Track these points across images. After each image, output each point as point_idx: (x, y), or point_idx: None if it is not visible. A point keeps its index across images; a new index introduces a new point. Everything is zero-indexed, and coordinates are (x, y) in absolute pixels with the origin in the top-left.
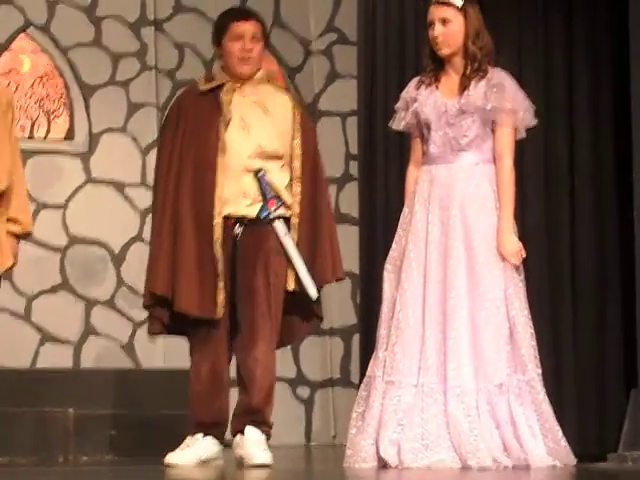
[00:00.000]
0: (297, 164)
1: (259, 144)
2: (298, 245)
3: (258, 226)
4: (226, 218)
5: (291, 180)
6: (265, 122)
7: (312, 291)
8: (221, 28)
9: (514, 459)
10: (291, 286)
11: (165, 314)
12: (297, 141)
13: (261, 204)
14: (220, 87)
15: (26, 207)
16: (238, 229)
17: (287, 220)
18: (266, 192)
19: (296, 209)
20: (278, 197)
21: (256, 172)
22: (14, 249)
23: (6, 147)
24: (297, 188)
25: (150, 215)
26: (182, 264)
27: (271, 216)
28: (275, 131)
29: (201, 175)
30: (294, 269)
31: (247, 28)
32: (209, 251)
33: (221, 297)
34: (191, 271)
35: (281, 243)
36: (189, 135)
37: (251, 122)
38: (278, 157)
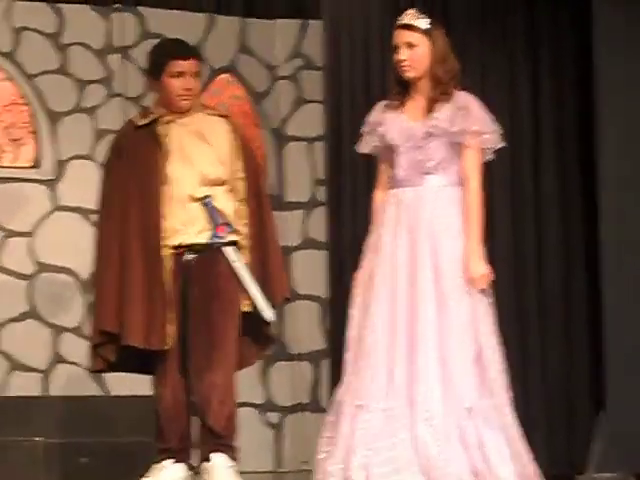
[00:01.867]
0: (241, 187)
1: (201, 172)
2: (250, 267)
3: (208, 253)
4: (176, 248)
5: (236, 203)
6: (205, 150)
7: (268, 313)
8: (160, 64)
9: None
10: (245, 308)
11: (112, 352)
12: (238, 163)
13: (210, 231)
14: (156, 120)
15: None
16: (189, 256)
17: (236, 244)
18: (215, 219)
19: (245, 231)
20: (227, 223)
21: (202, 199)
22: None
23: None
24: (243, 211)
25: None
26: (130, 297)
27: (221, 241)
28: (216, 157)
29: (146, 208)
30: (247, 293)
31: (188, 66)
32: (158, 283)
33: (171, 328)
34: (139, 304)
35: (232, 269)
36: (130, 171)
37: (191, 151)
38: (222, 183)
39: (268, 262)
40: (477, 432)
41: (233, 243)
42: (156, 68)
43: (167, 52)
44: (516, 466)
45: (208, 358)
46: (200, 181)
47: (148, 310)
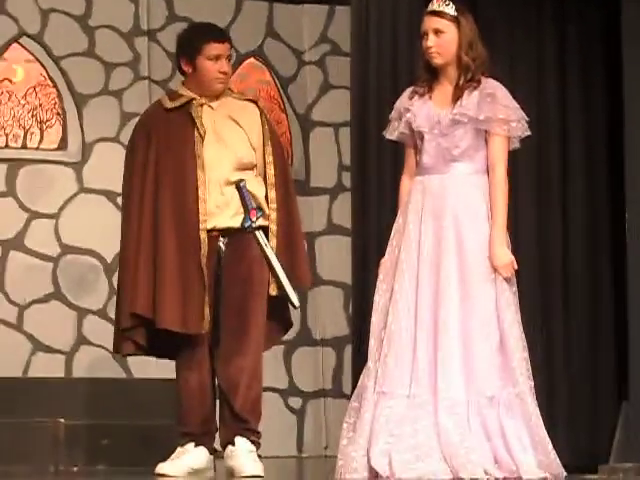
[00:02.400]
0: (270, 172)
1: (236, 156)
2: (277, 252)
3: (240, 236)
4: (209, 231)
5: (266, 188)
6: (238, 133)
7: (294, 299)
8: (196, 46)
9: (505, 471)
10: (274, 291)
11: (142, 335)
12: (268, 148)
13: (243, 215)
14: (187, 103)
15: None
16: (223, 240)
17: (265, 228)
18: (248, 202)
19: (273, 216)
20: (258, 207)
21: (237, 183)
22: None
23: None
24: (272, 195)
25: None
26: (164, 280)
27: (253, 226)
28: (248, 141)
29: (182, 192)
30: (275, 276)
31: (225, 49)
32: (194, 266)
33: (207, 311)
34: (174, 287)
35: (262, 252)
36: (164, 153)
37: (225, 135)
38: (252, 167)
39: (294, 248)
40: (499, 421)
41: (263, 227)
42: (191, 50)
43: (204, 35)
44: (537, 455)
45: (238, 342)
46: (235, 165)
47: (185, 293)
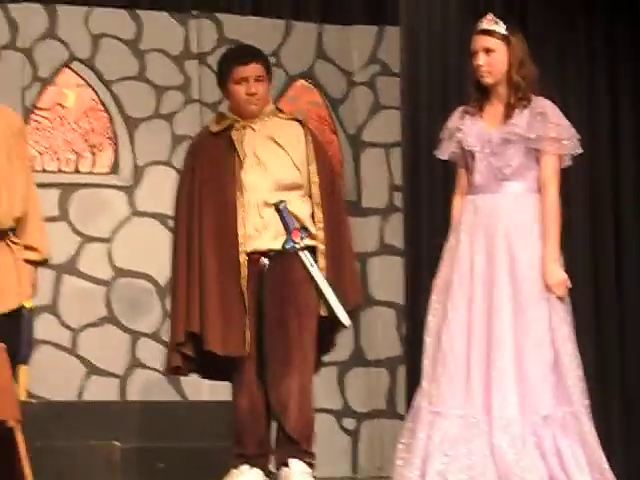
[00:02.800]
0: (316, 191)
1: (276, 178)
2: (325, 271)
3: (283, 258)
4: (251, 254)
5: (313, 207)
6: (279, 155)
7: (345, 319)
8: (224, 72)
9: None
10: (323, 312)
11: (193, 351)
12: (313, 167)
13: (284, 236)
14: (231, 126)
15: (43, 233)
16: (265, 261)
17: (312, 248)
18: (289, 223)
19: (320, 236)
20: (303, 227)
21: (276, 205)
22: (33, 278)
23: (21, 175)
24: (319, 215)
25: None
26: (207, 305)
27: (297, 247)
28: (291, 162)
29: (223, 215)
30: (323, 297)
31: (250, 71)
32: (235, 289)
33: (248, 334)
34: (216, 310)
35: (309, 274)
36: (207, 177)
37: (265, 157)
38: (297, 187)
39: (343, 267)
40: (554, 440)
41: (309, 247)
42: (222, 77)
43: (229, 59)
44: (594, 474)
45: (285, 364)
46: (274, 187)
47: (225, 316)
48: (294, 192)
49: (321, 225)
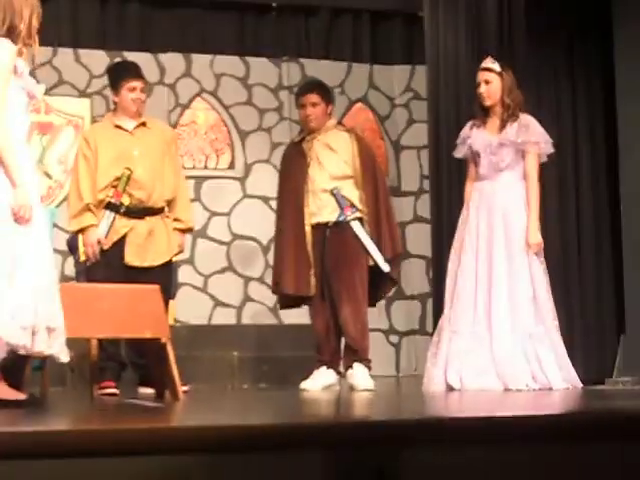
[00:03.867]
0: (360, 180)
1: (329, 173)
2: (370, 235)
3: (339, 226)
4: (315, 225)
5: (359, 190)
6: (331, 156)
7: (384, 266)
8: (295, 98)
9: (540, 384)
10: (370, 262)
11: (287, 295)
12: (357, 163)
13: (338, 211)
14: (304, 138)
15: (188, 210)
16: (327, 230)
17: (360, 219)
18: (341, 203)
19: (365, 210)
20: (352, 205)
21: (331, 190)
22: (179, 241)
23: (171, 170)
24: (363, 196)
25: None
26: (284, 262)
27: (348, 218)
28: (341, 160)
29: (296, 200)
30: (367, 252)
31: (307, 99)
32: (303, 250)
33: (313, 280)
34: (291, 265)
35: (357, 236)
36: (290, 175)
37: (323, 159)
38: (348, 177)
39: (380, 230)
40: (535, 350)
41: (358, 218)
42: (295, 101)
43: (298, 89)
44: (562, 373)
45: (342, 299)
46: (329, 178)
47: (296, 269)
48: (345, 181)
49: (365, 203)
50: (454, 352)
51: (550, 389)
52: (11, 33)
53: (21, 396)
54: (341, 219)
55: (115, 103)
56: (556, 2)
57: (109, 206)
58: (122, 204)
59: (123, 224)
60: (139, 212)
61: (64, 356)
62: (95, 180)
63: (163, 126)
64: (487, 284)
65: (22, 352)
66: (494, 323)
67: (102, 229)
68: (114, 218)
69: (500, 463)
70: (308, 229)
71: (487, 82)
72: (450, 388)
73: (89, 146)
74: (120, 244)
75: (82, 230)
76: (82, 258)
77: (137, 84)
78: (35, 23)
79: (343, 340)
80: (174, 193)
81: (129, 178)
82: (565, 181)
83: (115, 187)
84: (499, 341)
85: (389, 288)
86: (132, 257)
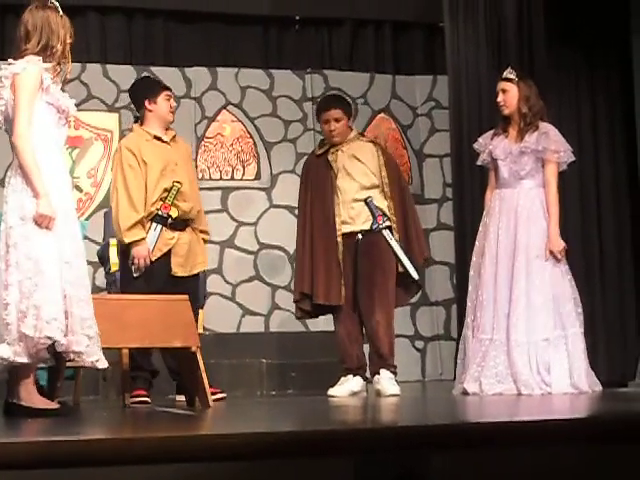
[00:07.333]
0: (387, 189)
1: (359, 183)
2: (400, 242)
3: (371, 235)
4: (346, 235)
5: (387, 200)
6: (359, 166)
7: (414, 273)
8: (317, 114)
9: (555, 389)
10: (400, 269)
11: (308, 304)
12: (384, 173)
13: (371, 220)
14: (328, 150)
15: (206, 222)
16: (359, 237)
17: (390, 227)
18: (374, 212)
19: (393, 218)
20: (383, 214)
21: (365, 200)
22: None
23: (195, 182)
24: (391, 204)
25: None
26: (316, 271)
27: (381, 227)
28: (369, 171)
29: (326, 211)
30: (399, 260)
31: (330, 115)
32: (335, 259)
33: (343, 290)
34: (322, 275)
35: (389, 244)
36: (314, 186)
37: (350, 170)
38: (375, 187)
39: (410, 238)
40: (549, 356)
41: (388, 227)
42: (317, 115)
43: (319, 107)
44: (573, 380)
45: (374, 305)
46: (358, 189)
47: (327, 279)
48: (373, 190)
49: (393, 211)
50: (473, 358)
51: (565, 393)
52: (45, 51)
53: (54, 405)
54: (374, 228)
55: (139, 117)
56: (575, 12)
57: (155, 218)
58: (170, 216)
59: (170, 236)
60: (182, 224)
61: (102, 363)
62: (144, 192)
63: (183, 140)
64: (507, 291)
65: (59, 349)
66: (512, 331)
67: (150, 241)
68: (161, 230)
69: (528, 466)
70: (340, 239)
71: (504, 91)
72: (473, 393)
73: (135, 157)
74: (167, 255)
75: (134, 242)
76: (113, 269)
77: (171, 94)
78: (69, 42)
79: (367, 347)
80: (200, 205)
81: (179, 191)
82: (586, 188)
83: (162, 199)
84: (517, 348)
85: (414, 293)
86: (178, 268)
